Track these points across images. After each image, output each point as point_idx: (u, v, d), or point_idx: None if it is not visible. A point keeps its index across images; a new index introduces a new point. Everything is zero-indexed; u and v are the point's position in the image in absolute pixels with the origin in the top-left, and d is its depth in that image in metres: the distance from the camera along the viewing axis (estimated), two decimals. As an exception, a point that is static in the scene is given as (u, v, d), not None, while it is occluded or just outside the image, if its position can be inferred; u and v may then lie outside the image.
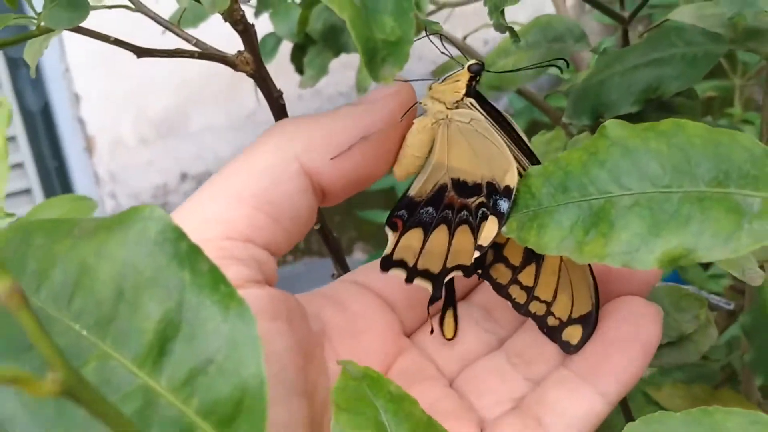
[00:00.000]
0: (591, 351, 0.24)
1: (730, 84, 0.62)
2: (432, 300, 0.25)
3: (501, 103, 1.67)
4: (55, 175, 1.44)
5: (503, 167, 0.23)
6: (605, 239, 0.19)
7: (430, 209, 0.25)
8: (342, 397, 0.20)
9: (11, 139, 1.39)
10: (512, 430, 0.23)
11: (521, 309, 0.25)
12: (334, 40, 0.49)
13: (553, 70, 0.59)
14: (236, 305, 0.16)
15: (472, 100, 0.24)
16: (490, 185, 0.23)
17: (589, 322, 0.24)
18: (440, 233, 0.25)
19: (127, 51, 0.28)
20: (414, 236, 0.25)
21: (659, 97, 0.30)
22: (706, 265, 0.84)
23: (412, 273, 0.25)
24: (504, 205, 0.23)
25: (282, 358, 0.20)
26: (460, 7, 0.50)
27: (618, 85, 0.31)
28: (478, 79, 0.24)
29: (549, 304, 0.25)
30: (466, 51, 0.46)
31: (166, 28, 0.28)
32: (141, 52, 0.28)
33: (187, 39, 0.28)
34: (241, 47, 0.26)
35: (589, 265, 0.24)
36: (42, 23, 0.25)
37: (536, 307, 0.25)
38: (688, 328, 0.29)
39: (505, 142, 0.24)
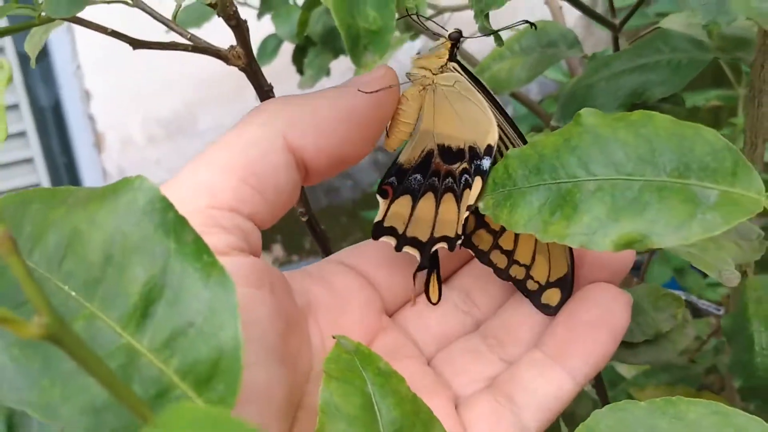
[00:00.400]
0: (562, 334, 0.25)
1: (735, 94, 0.63)
2: (419, 268, 0.26)
3: (507, 110, 1.67)
4: (64, 171, 1.45)
5: (485, 128, 0.24)
6: (568, 221, 0.20)
7: (418, 176, 0.26)
8: (333, 367, 0.21)
9: (22, 134, 1.40)
10: (485, 407, 0.24)
11: (503, 274, 0.26)
12: (332, 42, 0.50)
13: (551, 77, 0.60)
14: (217, 274, 0.17)
15: (455, 64, 0.25)
16: (472, 150, 0.24)
17: (566, 285, 0.25)
18: (427, 201, 0.26)
19: (133, 51, 0.29)
20: (403, 204, 0.26)
21: (644, 102, 0.31)
22: (705, 274, 0.85)
23: (402, 241, 0.26)
24: (486, 163, 0.24)
25: (263, 323, 0.21)
26: (458, 12, 0.51)
27: (604, 90, 0.32)
28: (458, 45, 0.25)
29: (528, 268, 0.26)
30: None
31: (162, 23, 0.29)
32: (137, 44, 0.29)
33: (182, 34, 0.29)
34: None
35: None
36: (42, 13, 0.26)
37: (516, 271, 0.26)
38: (665, 326, 0.30)
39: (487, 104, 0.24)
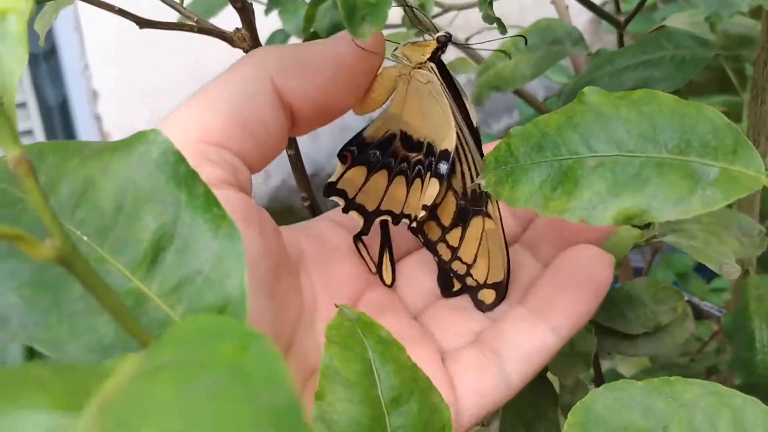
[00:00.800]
0: (546, 291, 0.26)
1: (739, 100, 0.63)
2: (359, 234, 0.27)
3: (513, 113, 1.69)
4: (70, 172, 1.45)
5: (444, 132, 0.25)
6: (569, 196, 0.21)
7: (377, 153, 0.27)
8: (334, 333, 0.21)
9: (29, 132, 1.41)
10: (471, 359, 0.25)
11: (445, 265, 0.27)
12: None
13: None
14: (226, 226, 0.17)
15: (433, 65, 0.25)
16: (430, 146, 0.25)
17: (501, 290, 0.26)
18: (381, 176, 0.27)
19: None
20: (358, 173, 0.27)
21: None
22: (709, 279, 0.85)
23: (350, 204, 0.27)
24: (443, 167, 0.25)
25: (252, 255, 0.21)
26: (464, 11, 0.51)
27: (607, 86, 0.32)
28: (444, 49, 0.25)
29: (469, 267, 0.27)
30: (468, 53, 0.48)
31: (169, 5, 0.30)
32: (143, 23, 0.29)
33: (189, 16, 0.29)
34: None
35: (505, 240, 0.27)
36: None
37: (458, 267, 0.27)
38: (665, 319, 0.30)
39: (452, 112, 0.25)
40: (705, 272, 0.90)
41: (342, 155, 0.27)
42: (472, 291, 0.27)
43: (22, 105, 1.38)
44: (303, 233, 0.27)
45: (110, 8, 0.29)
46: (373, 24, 0.20)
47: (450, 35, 0.26)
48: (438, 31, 0.26)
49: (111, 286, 0.17)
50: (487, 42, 0.29)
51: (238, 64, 0.24)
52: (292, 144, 0.32)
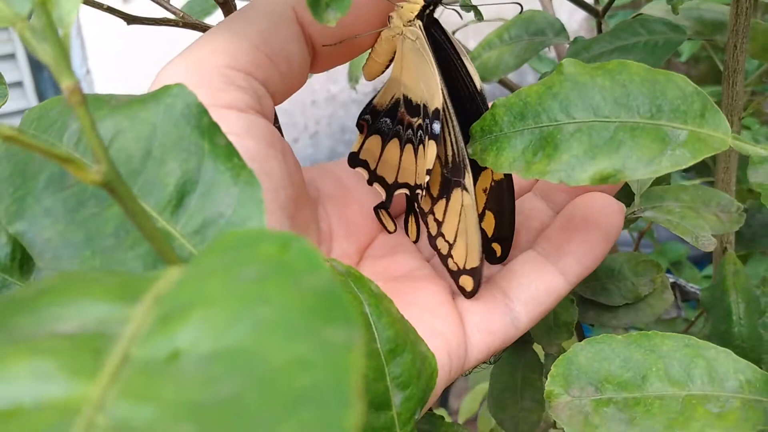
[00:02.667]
0: (557, 236, 0.26)
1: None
2: (380, 207, 0.28)
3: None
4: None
5: (433, 91, 0.25)
6: (549, 160, 0.22)
7: (388, 120, 0.27)
8: None
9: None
10: (481, 298, 0.26)
11: (432, 240, 0.27)
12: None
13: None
14: (246, 174, 0.19)
15: (420, 23, 0.25)
16: (425, 108, 0.25)
17: (477, 276, 0.25)
18: (393, 146, 0.27)
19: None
20: (374, 142, 0.27)
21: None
22: (700, 267, 0.87)
23: (372, 176, 0.27)
24: (437, 127, 0.25)
25: (276, 178, 0.22)
26: (451, 6, 0.53)
27: (583, 72, 0.34)
28: (432, 8, 0.25)
29: (450, 246, 0.26)
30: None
31: (157, 2, 0.31)
32: (130, 19, 0.31)
33: (174, 12, 0.31)
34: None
35: (481, 226, 0.27)
36: None
37: (441, 245, 0.26)
38: (644, 291, 0.31)
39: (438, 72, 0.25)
40: (698, 261, 0.92)
41: (359, 124, 0.27)
42: (454, 276, 0.26)
43: (26, 110, 1.38)
44: (322, 173, 0.28)
45: (99, 6, 0.30)
46: (338, 10, 0.20)
47: None
48: None
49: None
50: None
51: None
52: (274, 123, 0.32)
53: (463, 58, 0.26)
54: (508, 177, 0.27)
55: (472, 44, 0.52)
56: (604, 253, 0.26)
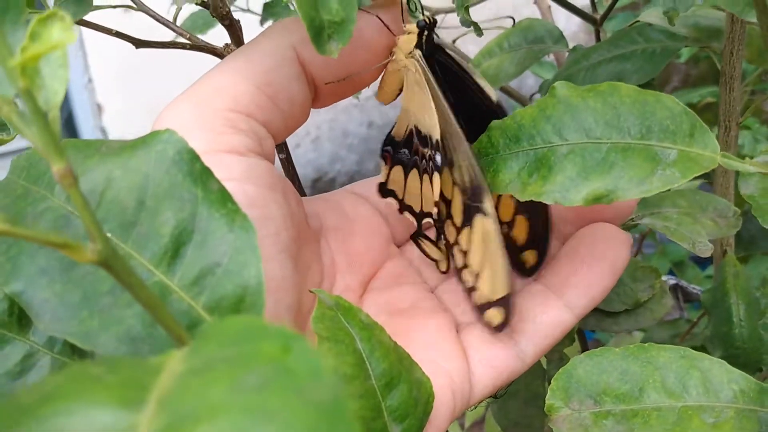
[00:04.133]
0: (562, 268, 0.26)
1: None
2: (415, 235, 0.27)
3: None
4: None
5: (433, 121, 0.25)
6: (544, 181, 0.22)
7: (406, 151, 0.27)
8: (321, 327, 0.22)
9: (32, 147, 1.41)
10: (485, 332, 0.25)
11: (458, 273, 0.26)
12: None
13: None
14: (241, 219, 0.19)
15: (419, 52, 0.25)
16: (430, 139, 0.25)
17: (507, 306, 0.24)
18: (413, 176, 0.27)
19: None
20: (398, 173, 0.27)
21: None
22: (703, 267, 0.87)
23: (402, 205, 0.27)
24: (438, 158, 0.25)
25: (277, 221, 0.22)
26: (451, 14, 0.53)
27: (583, 80, 0.34)
28: (428, 34, 0.25)
29: (477, 277, 0.25)
30: (455, 52, 0.49)
31: (164, 24, 0.32)
32: (139, 43, 0.31)
33: (182, 34, 0.31)
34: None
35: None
36: None
37: (467, 277, 0.25)
38: (644, 296, 0.32)
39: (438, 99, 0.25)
40: (700, 261, 0.92)
41: (383, 155, 0.27)
42: (479, 311, 0.25)
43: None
44: (324, 204, 0.27)
45: (108, 31, 0.30)
46: (340, 41, 0.21)
47: (432, 19, 0.25)
48: (423, 16, 0.25)
49: None
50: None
51: (263, 36, 0.24)
52: (282, 148, 0.32)
53: (474, 76, 0.26)
54: None
55: (470, 49, 0.52)
56: (611, 284, 0.26)
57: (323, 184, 1.58)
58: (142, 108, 1.42)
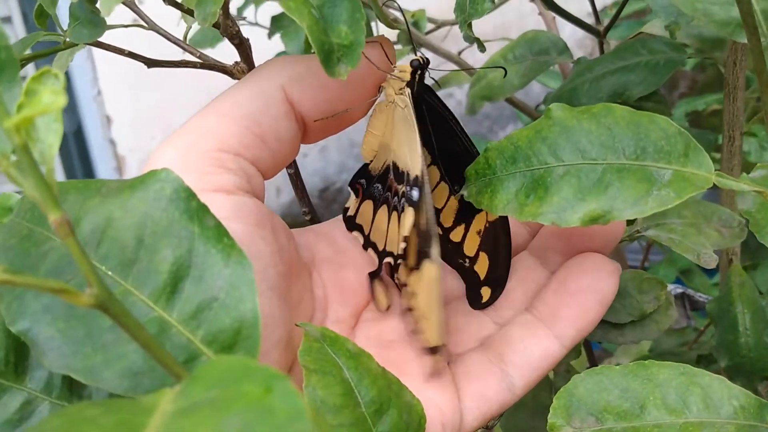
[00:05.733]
0: (552, 299, 0.26)
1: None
2: (372, 275, 0.27)
3: (518, 121, 1.71)
4: (87, 194, 1.48)
5: (415, 156, 0.25)
6: (540, 202, 0.22)
7: (379, 186, 0.27)
8: (308, 359, 0.22)
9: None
10: (476, 363, 0.26)
11: (403, 313, 0.26)
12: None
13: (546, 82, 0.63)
14: (236, 254, 0.19)
15: (408, 90, 0.25)
16: (408, 175, 0.25)
17: (438, 356, 0.25)
18: (382, 213, 0.27)
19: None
20: (368, 207, 0.27)
21: (625, 102, 0.34)
22: (711, 274, 0.86)
23: (366, 242, 0.27)
24: (415, 194, 0.25)
25: (264, 259, 0.22)
26: (456, 26, 0.53)
27: (587, 92, 0.35)
28: (420, 74, 0.26)
29: (420, 320, 0.25)
30: (460, 64, 0.50)
31: (174, 43, 0.32)
32: (151, 63, 0.32)
33: (192, 53, 0.32)
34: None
35: (474, 269, 0.27)
36: (67, 39, 0.29)
37: (411, 319, 0.26)
38: (649, 308, 0.32)
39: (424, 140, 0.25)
40: (707, 268, 0.91)
41: (354, 186, 0.27)
42: (424, 353, 0.25)
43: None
44: (316, 236, 0.28)
45: (120, 52, 0.31)
46: (348, 64, 0.21)
47: (426, 60, 0.26)
48: (417, 55, 0.26)
49: (136, 316, 0.19)
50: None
51: (251, 75, 0.24)
52: (291, 164, 0.33)
53: (457, 120, 0.27)
54: (503, 218, 0.27)
55: (478, 58, 0.52)
56: (600, 316, 0.26)
57: (330, 194, 1.59)
58: (151, 119, 1.44)
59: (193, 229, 0.20)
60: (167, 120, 1.44)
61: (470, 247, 0.28)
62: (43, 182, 0.15)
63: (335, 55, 0.21)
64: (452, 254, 0.28)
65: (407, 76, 0.25)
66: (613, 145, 0.22)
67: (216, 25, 0.32)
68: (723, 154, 0.37)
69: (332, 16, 0.21)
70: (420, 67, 0.25)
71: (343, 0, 0.21)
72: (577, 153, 0.23)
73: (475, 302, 0.28)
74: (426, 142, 0.27)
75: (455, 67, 0.52)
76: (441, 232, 0.28)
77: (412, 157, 0.25)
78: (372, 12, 0.47)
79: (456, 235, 0.28)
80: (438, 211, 0.28)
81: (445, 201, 0.28)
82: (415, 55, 0.26)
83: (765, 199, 0.23)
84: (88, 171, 1.48)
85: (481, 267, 0.28)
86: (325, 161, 1.56)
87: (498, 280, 0.27)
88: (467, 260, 0.28)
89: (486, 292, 0.27)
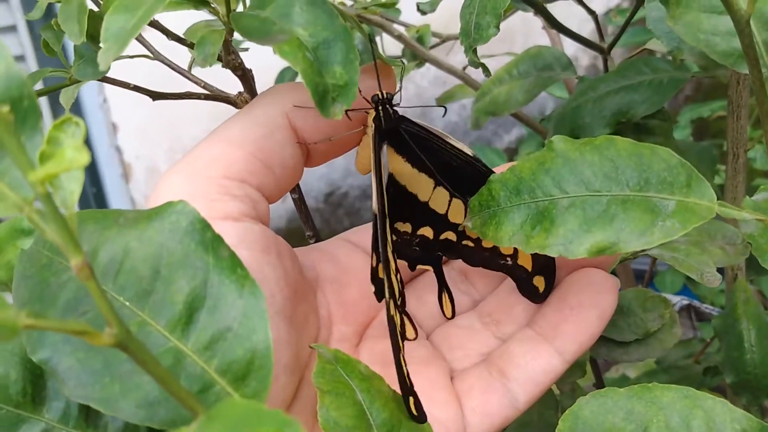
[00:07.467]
0: (553, 315, 0.26)
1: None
2: (377, 296, 0.26)
3: (513, 131, 1.71)
4: (93, 200, 1.48)
5: (375, 195, 0.25)
6: (547, 233, 0.23)
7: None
8: (322, 381, 0.22)
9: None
10: (478, 379, 0.26)
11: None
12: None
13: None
14: (250, 284, 0.20)
15: (373, 125, 0.26)
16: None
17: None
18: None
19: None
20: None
21: (629, 120, 0.34)
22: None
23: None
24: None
25: (270, 284, 0.23)
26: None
27: (591, 110, 0.35)
28: (383, 108, 0.26)
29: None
30: (465, 80, 0.50)
31: (179, 72, 0.33)
32: (156, 96, 0.32)
33: (197, 82, 0.32)
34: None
35: (519, 264, 0.27)
36: (72, 74, 0.29)
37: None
38: (653, 326, 0.32)
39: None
40: None
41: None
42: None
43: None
44: (320, 255, 0.28)
45: (126, 86, 0.32)
46: (343, 103, 0.22)
47: (387, 95, 0.26)
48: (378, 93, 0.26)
49: (152, 346, 0.19)
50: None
51: (255, 103, 0.25)
52: (295, 188, 0.33)
53: (445, 138, 0.27)
54: None
55: (477, 72, 0.52)
56: (600, 331, 0.26)
57: (336, 198, 1.60)
58: (157, 127, 1.45)
59: (208, 260, 0.20)
60: (173, 128, 1.44)
61: (505, 247, 0.28)
62: (65, 227, 0.16)
63: (330, 96, 0.22)
64: (491, 259, 0.28)
65: (372, 114, 0.26)
66: (616, 177, 0.23)
67: (218, 58, 0.32)
68: (727, 171, 0.37)
69: (327, 57, 0.22)
70: (380, 102, 0.26)
71: (338, 41, 0.22)
72: (581, 185, 0.23)
73: (534, 295, 0.28)
74: (422, 168, 0.28)
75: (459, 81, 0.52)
76: (473, 244, 0.28)
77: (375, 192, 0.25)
78: (376, 28, 0.47)
79: (487, 242, 0.28)
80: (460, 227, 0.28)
81: (464, 216, 0.28)
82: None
83: (767, 225, 0.23)
84: (95, 177, 1.48)
85: (524, 259, 0.28)
86: (331, 166, 1.57)
87: (546, 265, 0.28)
88: (508, 258, 0.28)
89: (540, 282, 0.28)
